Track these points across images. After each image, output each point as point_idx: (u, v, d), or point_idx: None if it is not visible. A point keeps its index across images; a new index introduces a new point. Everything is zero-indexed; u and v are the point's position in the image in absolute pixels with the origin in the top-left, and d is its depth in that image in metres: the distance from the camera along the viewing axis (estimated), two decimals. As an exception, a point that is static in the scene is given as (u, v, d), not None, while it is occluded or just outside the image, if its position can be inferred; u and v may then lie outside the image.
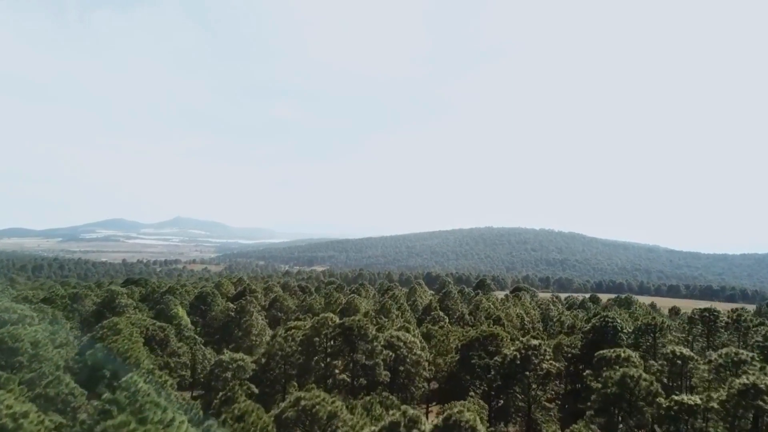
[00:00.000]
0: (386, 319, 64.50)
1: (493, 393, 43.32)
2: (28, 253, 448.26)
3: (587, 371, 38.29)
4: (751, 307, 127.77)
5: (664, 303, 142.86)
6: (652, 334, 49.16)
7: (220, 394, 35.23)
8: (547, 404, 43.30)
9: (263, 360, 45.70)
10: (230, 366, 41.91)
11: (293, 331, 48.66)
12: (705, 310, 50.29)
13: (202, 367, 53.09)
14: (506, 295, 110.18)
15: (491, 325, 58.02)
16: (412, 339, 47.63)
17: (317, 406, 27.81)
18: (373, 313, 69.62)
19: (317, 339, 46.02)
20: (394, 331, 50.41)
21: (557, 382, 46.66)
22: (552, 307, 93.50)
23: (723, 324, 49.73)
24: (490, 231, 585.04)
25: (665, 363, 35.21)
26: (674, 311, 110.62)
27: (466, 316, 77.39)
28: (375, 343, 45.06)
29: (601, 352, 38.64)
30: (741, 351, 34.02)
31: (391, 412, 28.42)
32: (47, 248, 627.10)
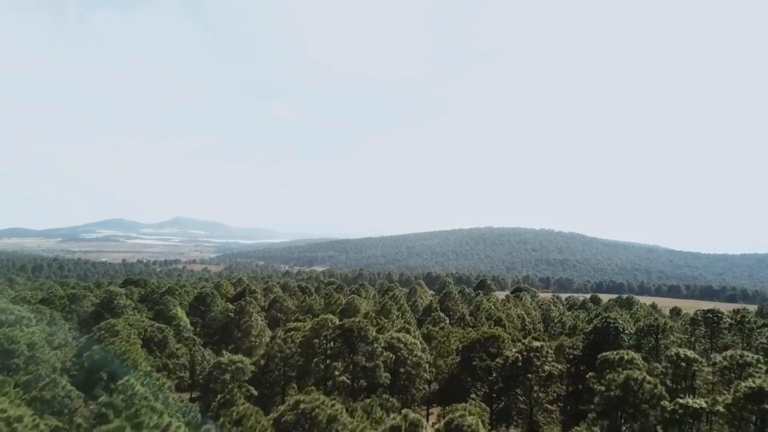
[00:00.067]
0: (386, 320, 64.11)
1: (494, 395, 42.94)
2: (28, 253, 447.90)
3: (590, 373, 37.89)
4: (753, 308, 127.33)
5: (665, 303, 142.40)
6: (654, 336, 48.78)
7: (219, 396, 34.82)
8: (549, 406, 42.92)
9: (262, 362, 45.33)
10: (229, 368, 41.53)
11: (293, 332, 48.26)
12: (708, 311, 49.88)
13: (201, 368, 52.69)
14: (507, 296, 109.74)
15: (492, 326, 57.64)
16: (413, 340, 47.23)
17: (317, 410, 27.41)
18: (373, 314, 69.25)
19: (317, 340, 45.61)
20: (395, 332, 50.02)
21: (559, 384, 46.27)
22: (553, 307, 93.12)
23: (726, 325, 49.31)
24: (490, 231, 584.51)
25: (669, 365, 34.80)
26: (675, 312, 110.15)
27: (467, 317, 77.00)
28: (375, 345, 44.66)
29: (604, 354, 38.25)
30: (746, 353, 33.63)
31: (392, 416, 28.02)
32: (47, 248, 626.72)
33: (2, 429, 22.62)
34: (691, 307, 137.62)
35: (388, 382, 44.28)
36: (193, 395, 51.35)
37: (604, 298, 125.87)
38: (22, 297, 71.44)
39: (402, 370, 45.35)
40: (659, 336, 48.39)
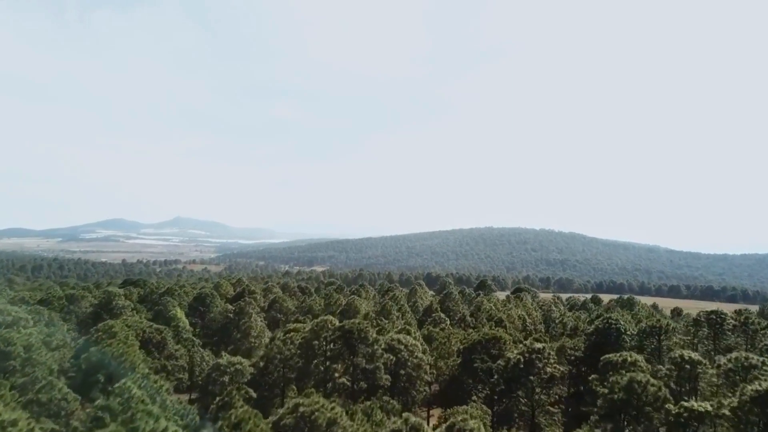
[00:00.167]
0: (387, 321, 63.74)
1: (495, 397, 42.55)
2: (27, 253, 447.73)
3: (593, 375, 37.51)
4: (754, 308, 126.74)
5: (666, 303, 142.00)
6: (656, 337, 48.37)
7: (217, 399, 34.45)
8: (551, 408, 42.53)
9: (262, 363, 44.95)
10: (228, 370, 41.16)
11: (292, 334, 47.87)
12: (712, 312, 49.47)
13: (200, 369, 52.31)
14: (507, 296, 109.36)
15: (493, 327, 57.30)
16: (413, 342, 46.84)
17: (316, 413, 27.04)
18: (373, 315, 68.90)
19: (317, 342, 45.25)
20: (395, 333, 49.65)
21: (560, 386, 45.90)
22: (554, 308, 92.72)
23: (730, 327, 48.89)
24: (490, 231, 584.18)
25: (673, 367, 34.41)
26: (676, 312, 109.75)
27: (468, 318, 76.64)
28: (375, 347, 44.30)
29: (607, 356, 37.85)
30: (751, 355, 33.23)
31: (392, 419, 27.69)
32: (47, 248, 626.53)
33: (-4, 433, 22.27)
34: (691, 307, 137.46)
35: (389, 384, 43.90)
36: (192, 396, 50.97)
37: (605, 298, 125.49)
38: (20, 298, 71.11)
39: (402, 371, 44.97)
40: (662, 337, 48.00)
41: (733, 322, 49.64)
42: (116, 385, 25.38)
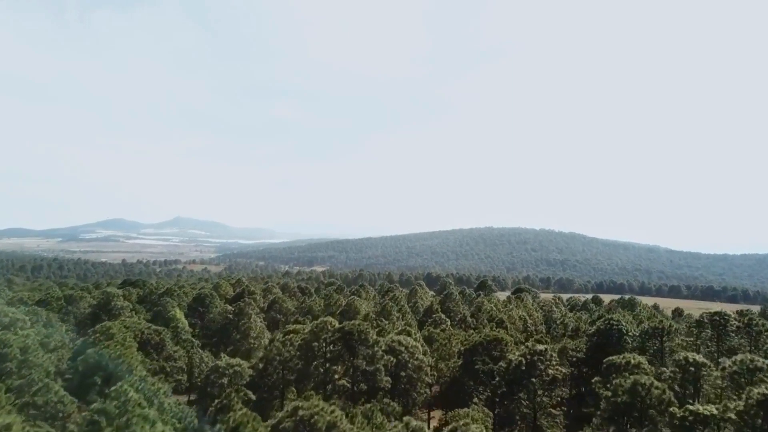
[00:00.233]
0: (387, 322, 63.34)
1: (497, 399, 42.16)
2: (27, 254, 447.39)
3: (596, 378, 37.11)
4: (754, 308, 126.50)
5: (666, 304, 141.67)
6: (659, 338, 48.00)
7: (216, 401, 34.09)
8: (553, 410, 42.14)
9: (261, 365, 44.56)
10: (227, 372, 40.78)
11: (292, 335, 47.51)
12: (715, 313, 49.06)
13: (200, 370, 51.95)
14: (508, 297, 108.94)
15: (494, 329, 56.92)
16: (414, 343, 46.44)
17: (316, 416, 26.64)
18: (373, 315, 68.49)
19: (316, 344, 44.86)
20: (395, 335, 49.25)
21: (562, 387, 45.51)
22: (554, 308, 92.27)
23: (734, 328, 48.48)
24: (490, 231, 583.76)
25: (677, 370, 34.01)
26: (677, 312, 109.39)
27: (468, 319, 76.22)
28: (376, 348, 43.90)
29: (610, 358, 37.48)
30: (756, 358, 32.82)
31: (393, 423, 27.30)
32: (47, 248, 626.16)
33: (-10, 437, 21.92)
34: (692, 307, 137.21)
35: (389, 386, 43.49)
36: (191, 398, 50.59)
37: (605, 298, 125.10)
38: (19, 298, 70.72)
39: (403, 373, 44.59)
40: (664, 339, 47.63)
41: (736, 323, 49.23)
42: (113, 388, 25.02)
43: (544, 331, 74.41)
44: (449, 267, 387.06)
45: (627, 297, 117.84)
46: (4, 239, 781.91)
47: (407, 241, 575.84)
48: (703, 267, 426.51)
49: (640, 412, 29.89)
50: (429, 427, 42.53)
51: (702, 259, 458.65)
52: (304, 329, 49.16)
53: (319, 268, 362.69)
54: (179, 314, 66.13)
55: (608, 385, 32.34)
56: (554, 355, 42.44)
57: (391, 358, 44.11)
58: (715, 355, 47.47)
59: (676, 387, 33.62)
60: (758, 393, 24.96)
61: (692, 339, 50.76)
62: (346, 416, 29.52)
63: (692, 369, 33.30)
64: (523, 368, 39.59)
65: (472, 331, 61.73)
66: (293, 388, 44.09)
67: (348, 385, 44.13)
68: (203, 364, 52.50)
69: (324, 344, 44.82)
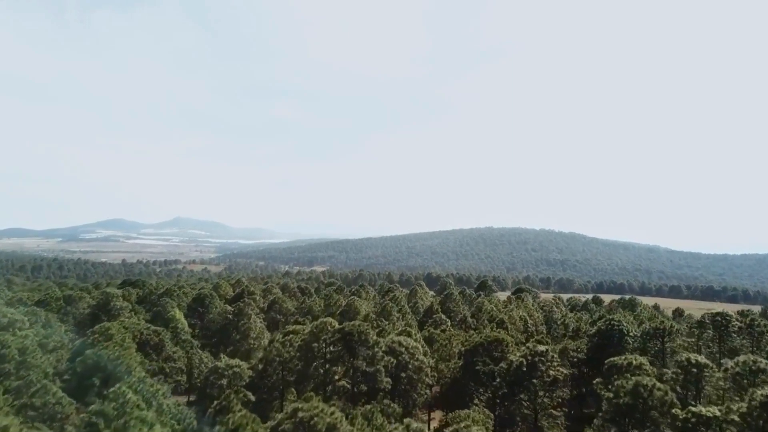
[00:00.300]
0: (387, 322, 63.14)
1: (498, 400, 41.94)
2: (27, 254, 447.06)
3: (597, 379, 36.90)
4: (755, 308, 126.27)
5: (667, 304, 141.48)
6: (660, 339, 47.78)
7: (215, 402, 33.89)
8: (554, 411, 41.93)
9: (260, 366, 44.37)
10: (226, 373, 40.60)
11: (291, 336, 47.29)
12: (717, 314, 48.83)
13: (199, 371, 51.74)
14: (508, 297, 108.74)
15: (494, 329, 56.71)
16: (414, 344, 46.22)
17: (315, 418, 26.45)
18: (373, 316, 68.27)
19: (316, 344, 44.64)
20: (396, 335, 49.02)
21: (563, 388, 45.31)
22: (555, 309, 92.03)
23: (735, 329, 48.25)
24: (491, 231, 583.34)
25: (679, 371, 33.81)
26: (678, 313, 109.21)
27: (469, 319, 76.03)
28: (376, 349, 43.70)
29: (612, 359, 37.27)
30: (759, 359, 32.62)
31: (393, 424, 27.10)
32: (47, 248, 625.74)
33: (-13, 440, 21.73)
34: (692, 307, 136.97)
35: (389, 387, 43.28)
36: (190, 399, 50.41)
37: (606, 298, 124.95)
38: (18, 299, 70.46)
39: (403, 374, 44.38)
40: (665, 339, 47.41)
41: (738, 324, 49.00)
42: (111, 389, 24.84)
43: (544, 331, 74.16)
44: (449, 267, 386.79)
45: (627, 297, 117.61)
46: (4, 239, 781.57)
47: (407, 241, 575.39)
48: (704, 267, 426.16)
49: (642, 413, 29.69)
50: (429, 429, 42.32)
51: (702, 259, 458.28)
52: (303, 330, 48.94)
53: (319, 269, 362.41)
54: (179, 315, 65.96)
55: (610, 386, 32.13)
56: (555, 355, 42.25)
57: (392, 359, 43.90)
58: (717, 356, 47.25)
59: (678, 388, 33.41)
60: (761, 395, 24.76)
61: (694, 340, 50.53)
62: (346, 418, 29.34)
63: (694, 370, 33.11)
64: (524, 369, 39.39)
65: (472, 332, 61.52)
66: (293, 389, 43.84)
67: (348, 386, 43.93)
68: (203, 365, 52.30)
69: (324, 345, 44.61)
